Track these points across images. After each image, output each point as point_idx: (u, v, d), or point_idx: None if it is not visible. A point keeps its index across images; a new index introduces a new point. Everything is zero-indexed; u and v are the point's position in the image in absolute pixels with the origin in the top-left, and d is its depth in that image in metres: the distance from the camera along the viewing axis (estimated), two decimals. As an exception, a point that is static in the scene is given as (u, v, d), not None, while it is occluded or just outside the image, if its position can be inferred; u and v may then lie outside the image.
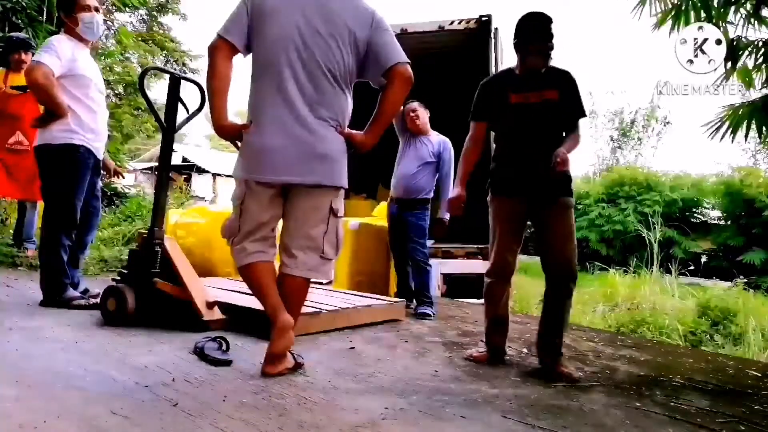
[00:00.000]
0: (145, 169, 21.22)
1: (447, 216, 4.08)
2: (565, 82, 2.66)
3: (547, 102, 2.62)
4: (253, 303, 3.13)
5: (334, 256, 2.27)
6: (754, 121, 3.27)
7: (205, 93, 3.04)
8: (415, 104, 4.24)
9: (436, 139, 4.23)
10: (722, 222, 13.71)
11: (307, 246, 2.19)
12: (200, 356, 2.34)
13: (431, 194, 4.19)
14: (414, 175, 4.15)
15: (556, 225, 2.61)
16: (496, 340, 2.82)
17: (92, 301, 3.15)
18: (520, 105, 2.66)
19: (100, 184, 3.45)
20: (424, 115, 4.26)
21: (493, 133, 2.98)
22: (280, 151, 2.09)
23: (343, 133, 2.25)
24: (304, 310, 3.08)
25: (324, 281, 2.17)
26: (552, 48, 2.64)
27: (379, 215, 4.64)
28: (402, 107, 4.25)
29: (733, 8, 3.16)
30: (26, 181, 4.30)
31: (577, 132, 2.67)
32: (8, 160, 4.33)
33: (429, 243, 4.32)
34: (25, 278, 4.01)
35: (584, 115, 2.72)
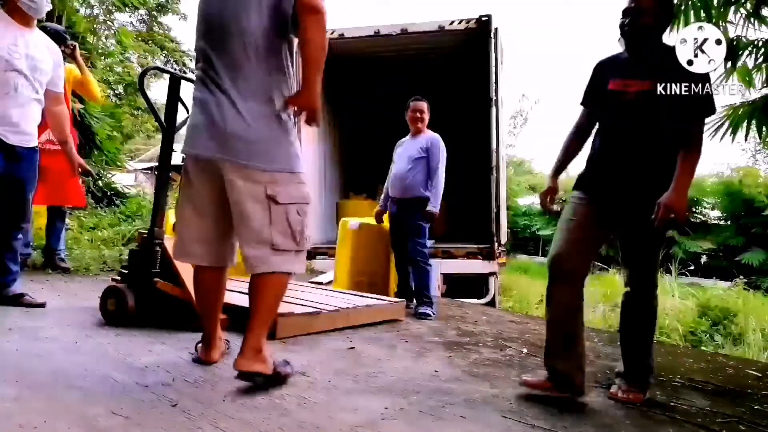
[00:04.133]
0: (145, 169, 21.19)
1: (434, 209, 4.10)
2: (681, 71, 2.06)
3: (650, 94, 2.09)
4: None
5: (294, 246, 2.00)
6: (754, 121, 3.27)
7: None
8: (424, 105, 4.28)
9: (426, 136, 4.28)
10: (722, 222, 13.72)
11: (255, 239, 1.96)
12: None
13: (428, 192, 4.20)
14: (407, 173, 4.18)
15: (638, 233, 2.22)
16: (561, 366, 2.18)
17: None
18: (616, 93, 2.20)
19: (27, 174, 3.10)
20: (427, 118, 4.32)
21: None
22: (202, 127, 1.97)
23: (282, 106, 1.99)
24: (303, 310, 3.10)
25: (295, 273, 2.03)
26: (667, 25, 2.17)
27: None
28: (409, 102, 4.32)
29: (733, 8, 3.16)
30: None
31: (693, 144, 2.08)
32: None
33: (429, 243, 4.33)
34: (25, 278, 4.00)
35: (705, 114, 2.13)
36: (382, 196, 4.55)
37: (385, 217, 4.51)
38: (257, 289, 1.98)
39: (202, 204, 2.06)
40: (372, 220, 4.62)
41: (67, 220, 4.71)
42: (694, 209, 13.94)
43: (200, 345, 2.28)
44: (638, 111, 2.12)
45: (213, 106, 1.95)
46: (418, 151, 4.20)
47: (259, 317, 1.99)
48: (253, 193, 1.94)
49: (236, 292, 3.43)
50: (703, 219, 14.03)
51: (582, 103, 2.41)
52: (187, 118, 3.06)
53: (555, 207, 2.55)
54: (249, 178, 1.94)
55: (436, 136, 4.28)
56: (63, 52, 3.61)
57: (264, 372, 1.97)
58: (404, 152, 4.29)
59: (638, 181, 2.14)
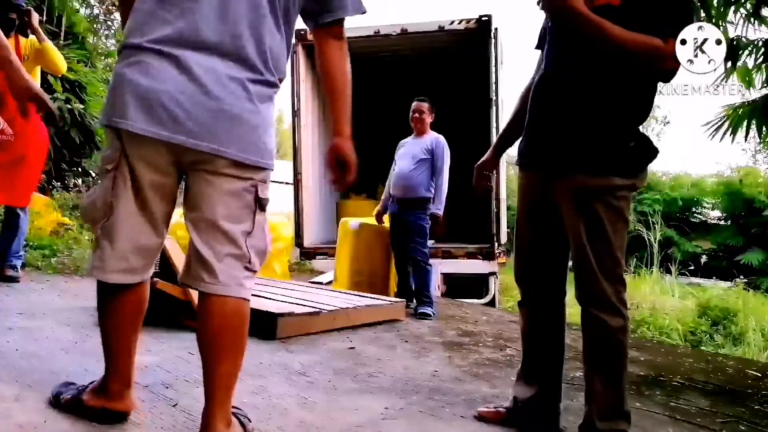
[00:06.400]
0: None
1: (439, 211, 4.16)
2: None
3: (602, 10, 1.57)
4: (253, 303, 3.13)
5: (258, 269, 1.55)
6: (754, 121, 3.28)
7: None
8: (425, 106, 4.29)
9: (430, 137, 4.28)
10: (722, 222, 13.72)
11: (227, 253, 1.45)
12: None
13: (431, 192, 4.21)
14: (410, 173, 4.19)
15: (573, 219, 1.67)
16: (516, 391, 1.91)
17: None
18: (551, 27, 1.72)
19: None
20: (427, 119, 4.31)
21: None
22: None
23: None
24: (303, 310, 3.09)
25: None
26: None
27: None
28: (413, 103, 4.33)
29: (733, 8, 3.16)
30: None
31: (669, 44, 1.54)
32: None
33: (429, 243, 4.34)
34: (25, 278, 4.00)
35: (671, 36, 1.53)
36: (383, 196, 4.55)
37: (386, 217, 4.52)
38: (225, 320, 1.48)
39: (154, 199, 1.48)
40: (372, 220, 4.63)
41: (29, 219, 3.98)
42: (694, 209, 13.95)
43: (100, 391, 1.61)
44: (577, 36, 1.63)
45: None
46: (422, 151, 4.20)
47: (232, 366, 1.50)
48: (234, 192, 1.46)
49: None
50: (703, 219, 14.03)
51: (537, 47, 1.88)
52: None
53: (489, 185, 2.09)
54: (234, 172, 1.46)
55: (441, 137, 4.28)
56: (14, 20, 3.25)
57: None
58: (407, 152, 4.29)
59: (581, 129, 1.64)
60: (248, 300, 1.52)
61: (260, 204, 1.50)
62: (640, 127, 1.70)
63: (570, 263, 1.80)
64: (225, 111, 1.40)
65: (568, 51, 1.68)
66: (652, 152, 1.68)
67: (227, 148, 1.41)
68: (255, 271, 1.53)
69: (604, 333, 1.63)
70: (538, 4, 1.67)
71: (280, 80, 1.53)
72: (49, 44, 3.75)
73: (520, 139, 1.86)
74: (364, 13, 1.61)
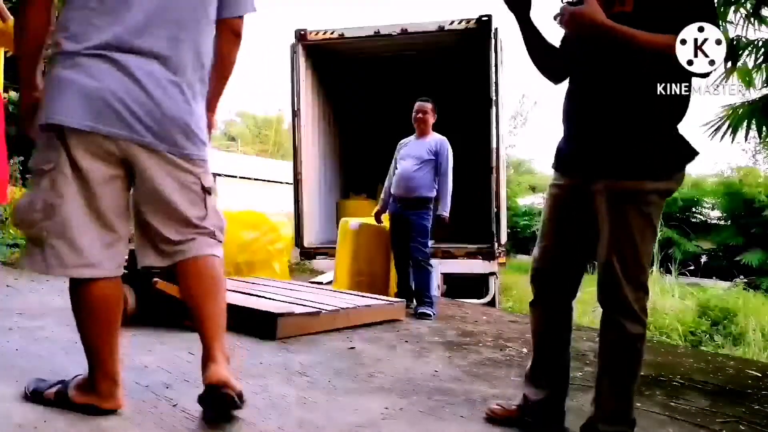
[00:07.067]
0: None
1: (446, 213, 4.16)
2: None
3: (616, 17, 1.58)
4: (253, 303, 3.14)
5: (222, 239, 1.76)
6: (754, 121, 3.28)
7: None
8: (428, 106, 4.28)
9: (434, 138, 4.28)
10: (722, 222, 13.72)
11: (191, 233, 1.66)
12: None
13: (433, 193, 4.21)
14: (414, 174, 4.18)
15: (604, 223, 1.66)
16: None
17: None
18: (582, 33, 1.66)
19: None
20: (430, 119, 4.30)
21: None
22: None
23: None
24: (303, 310, 3.10)
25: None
26: None
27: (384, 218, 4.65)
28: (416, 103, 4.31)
29: (733, 8, 3.17)
30: None
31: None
32: None
33: (429, 243, 4.34)
34: (26, 278, 4.00)
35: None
36: (382, 195, 4.55)
37: (385, 217, 4.51)
38: (209, 271, 1.68)
39: (104, 194, 1.55)
40: (372, 220, 4.63)
41: None
42: (694, 209, 13.95)
43: (88, 388, 1.63)
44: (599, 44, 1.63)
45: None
46: (427, 152, 4.20)
47: (219, 306, 1.70)
48: (183, 183, 1.63)
49: (236, 292, 3.44)
50: (703, 219, 14.03)
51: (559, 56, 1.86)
52: None
53: None
54: (183, 165, 1.63)
55: (444, 139, 4.28)
56: None
57: (238, 387, 1.61)
58: (410, 152, 4.27)
59: (613, 133, 1.63)
60: (220, 257, 1.73)
61: (207, 190, 1.69)
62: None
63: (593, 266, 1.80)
64: (166, 113, 1.55)
65: (596, 58, 1.67)
66: (689, 153, 1.66)
67: (171, 145, 1.58)
68: (220, 242, 1.75)
69: (623, 339, 1.63)
70: (555, 19, 1.67)
71: (207, 74, 1.72)
72: (11, 23, 3.23)
73: (559, 141, 1.86)
74: (254, 11, 1.82)
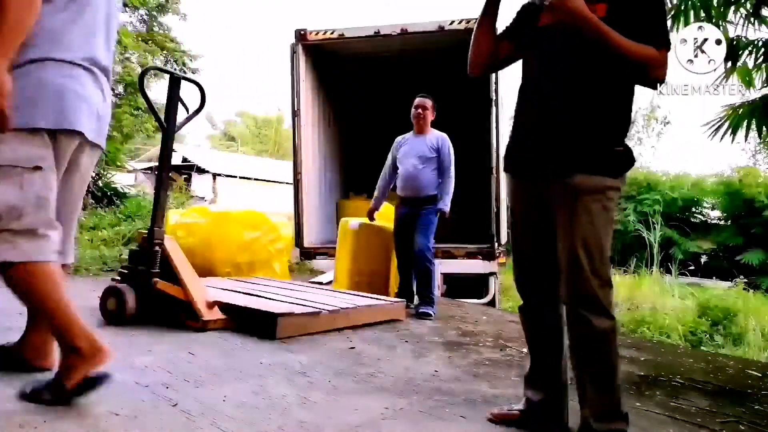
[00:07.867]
0: (145, 169, 21.20)
1: (447, 208, 4.15)
2: None
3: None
4: (253, 303, 3.14)
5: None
6: (754, 121, 3.28)
7: (205, 93, 3.05)
8: (428, 102, 4.27)
9: (434, 135, 4.27)
10: (722, 222, 13.72)
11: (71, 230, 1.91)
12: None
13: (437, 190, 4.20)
14: (419, 173, 4.17)
15: (566, 219, 1.67)
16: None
17: None
18: (544, 29, 1.73)
19: None
20: (429, 116, 4.29)
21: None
22: None
23: None
24: (303, 310, 3.10)
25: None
26: None
27: (379, 216, 4.64)
28: (416, 99, 4.30)
29: (733, 8, 3.17)
30: None
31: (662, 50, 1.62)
32: None
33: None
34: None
35: (664, 47, 1.62)
36: (376, 193, 4.54)
37: (390, 216, 4.49)
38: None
39: (71, 188, 1.84)
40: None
41: None
42: (694, 209, 13.95)
43: (72, 367, 1.67)
44: (566, 46, 1.67)
45: None
46: (429, 150, 4.19)
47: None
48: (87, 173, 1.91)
49: (236, 292, 3.44)
50: (703, 219, 14.04)
51: (505, 36, 1.88)
52: (188, 118, 3.07)
53: None
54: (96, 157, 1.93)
55: (444, 135, 4.27)
56: None
57: None
58: (411, 151, 4.24)
59: (579, 131, 1.65)
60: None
61: None
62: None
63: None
64: (108, 119, 1.86)
65: (560, 56, 1.70)
66: (633, 159, 1.74)
67: (102, 143, 1.86)
68: None
69: (592, 334, 1.62)
70: (539, 1, 1.68)
71: None
72: None
73: (509, 143, 1.87)
74: None
